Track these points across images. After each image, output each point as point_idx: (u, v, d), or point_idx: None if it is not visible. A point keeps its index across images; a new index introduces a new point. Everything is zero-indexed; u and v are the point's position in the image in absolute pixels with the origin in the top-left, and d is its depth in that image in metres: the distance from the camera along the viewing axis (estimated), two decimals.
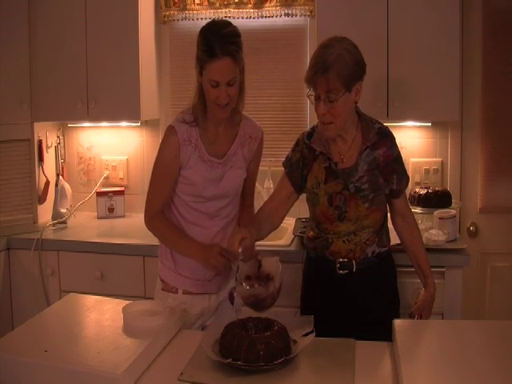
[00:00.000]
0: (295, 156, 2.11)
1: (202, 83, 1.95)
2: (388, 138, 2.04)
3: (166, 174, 2.04)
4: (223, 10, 3.22)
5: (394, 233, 2.17)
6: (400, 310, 2.15)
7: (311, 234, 2.13)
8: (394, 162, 2.03)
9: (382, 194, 2.02)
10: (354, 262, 2.02)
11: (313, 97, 1.92)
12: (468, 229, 3.08)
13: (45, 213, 3.26)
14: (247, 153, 2.12)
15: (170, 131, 2.01)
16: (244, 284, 1.85)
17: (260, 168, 3.21)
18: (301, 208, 3.23)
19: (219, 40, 1.88)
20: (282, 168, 3.30)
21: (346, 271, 2.03)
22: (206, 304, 2.13)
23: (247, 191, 2.21)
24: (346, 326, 1.97)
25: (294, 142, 2.15)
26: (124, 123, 3.36)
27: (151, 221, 2.08)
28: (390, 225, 2.16)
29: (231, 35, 1.91)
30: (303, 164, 2.08)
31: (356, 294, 2.04)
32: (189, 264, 2.07)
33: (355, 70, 1.89)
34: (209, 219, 2.07)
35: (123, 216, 3.37)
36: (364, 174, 1.99)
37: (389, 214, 2.16)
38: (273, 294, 1.82)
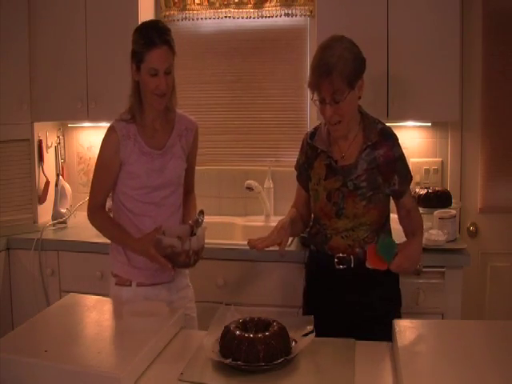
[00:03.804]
0: (301, 159, 2.17)
1: (141, 77, 2.08)
2: (390, 139, 2.05)
3: (106, 169, 2.16)
4: (223, 10, 3.22)
5: (398, 234, 2.16)
6: (401, 310, 2.14)
7: (313, 230, 2.15)
8: (394, 163, 2.03)
9: (380, 194, 2.03)
10: (352, 257, 2.03)
11: (318, 101, 1.94)
12: (468, 229, 3.08)
13: (45, 213, 3.27)
14: (185, 144, 2.24)
15: (110, 130, 2.16)
16: (165, 233, 2.04)
17: (260, 168, 3.25)
18: None
19: (156, 31, 2.06)
20: (282, 168, 3.31)
21: (344, 266, 2.03)
22: (163, 296, 2.16)
23: (188, 179, 2.33)
24: (347, 322, 1.98)
25: (296, 143, 2.20)
26: None
27: (93, 215, 2.20)
28: (396, 225, 2.15)
29: (166, 28, 2.10)
30: (308, 165, 2.13)
31: (355, 291, 2.04)
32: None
33: (356, 67, 1.92)
34: (156, 209, 2.17)
35: None
36: (363, 173, 2.01)
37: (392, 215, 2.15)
38: (187, 252, 2.00)
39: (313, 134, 2.13)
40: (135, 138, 2.13)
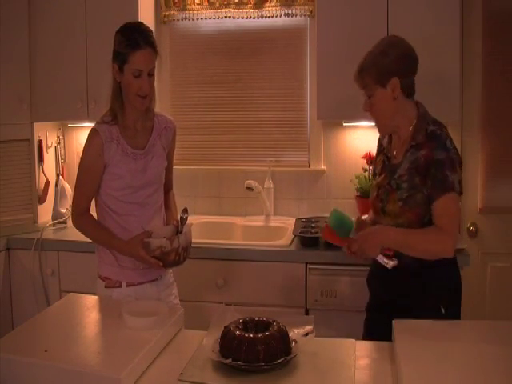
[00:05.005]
0: (375, 155, 2.25)
1: (123, 78, 2.11)
2: (434, 141, 1.94)
3: (90, 172, 2.16)
4: (223, 10, 3.22)
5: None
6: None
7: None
8: (431, 166, 1.92)
9: (417, 195, 1.95)
10: (393, 256, 1.94)
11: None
12: (468, 229, 3.08)
13: (45, 213, 3.27)
14: (165, 142, 2.28)
15: (93, 133, 2.16)
16: (152, 235, 2.07)
17: (260, 168, 3.26)
18: (301, 208, 3.26)
19: (140, 34, 2.09)
20: (282, 168, 3.30)
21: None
22: (152, 294, 2.18)
23: (167, 178, 2.35)
24: (388, 320, 1.85)
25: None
26: None
27: (78, 219, 2.20)
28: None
29: (148, 30, 2.13)
30: (375, 161, 2.22)
31: (394, 291, 2.03)
32: None
33: (389, 65, 1.95)
34: (140, 208, 2.19)
35: None
36: (405, 173, 1.99)
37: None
38: (177, 249, 2.04)
39: None
40: (118, 140, 2.14)
